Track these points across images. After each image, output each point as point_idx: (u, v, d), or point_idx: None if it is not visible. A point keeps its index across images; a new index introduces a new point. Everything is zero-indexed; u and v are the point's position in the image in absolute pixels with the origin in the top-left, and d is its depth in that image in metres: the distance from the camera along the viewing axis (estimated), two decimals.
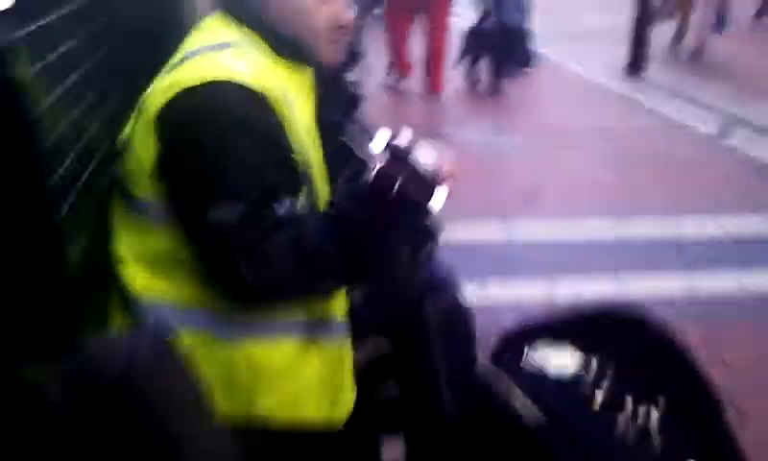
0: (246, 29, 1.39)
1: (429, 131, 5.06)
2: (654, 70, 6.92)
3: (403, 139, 1.23)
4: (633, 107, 5.97)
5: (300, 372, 1.44)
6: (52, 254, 1.04)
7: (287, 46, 1.40)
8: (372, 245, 1.25)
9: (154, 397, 0.76)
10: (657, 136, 5.08)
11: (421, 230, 1.30)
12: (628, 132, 5.21)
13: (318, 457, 1.56)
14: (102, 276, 1.37)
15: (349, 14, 1.42)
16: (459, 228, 3.38)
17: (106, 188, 1.42)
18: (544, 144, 4.85)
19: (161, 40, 1.65)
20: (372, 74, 6.53)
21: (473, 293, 2.75)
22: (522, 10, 6.80)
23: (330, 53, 1.44)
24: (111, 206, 1.40)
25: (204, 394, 0.96)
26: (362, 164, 1.23)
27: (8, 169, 0.91)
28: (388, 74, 6.51)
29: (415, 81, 6.32)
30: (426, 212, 1.23)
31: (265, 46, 1.38)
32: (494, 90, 6.17)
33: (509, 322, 2.48)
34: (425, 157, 1.21)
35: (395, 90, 6.35)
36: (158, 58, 1.41)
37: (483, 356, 2.24)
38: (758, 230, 3.47)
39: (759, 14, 10.43)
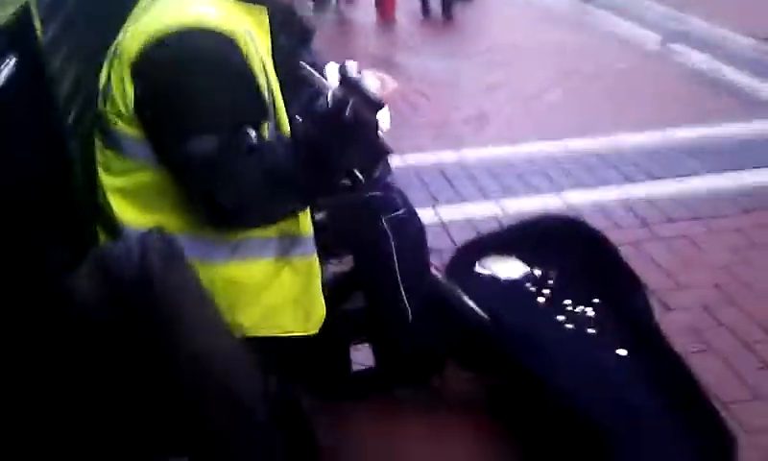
0: None
1: (382, 59, 5.18)
2: None
3: (351, 69, 1.41)
4: (581, 27, 6.12)
5: (276, 287, 1.62)
6: (67, 177, 1.20)
7: None
8: (332, 162, 1.43)
9: (167, 289, 0.94)
10: (604, 54, 5.26)
11: (373, 148, 1.49)
12: (576, 51, 5.37)
13: (295, 363, 1.77)
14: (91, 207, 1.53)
15: None
16: (412, 152, 3.57)
17: (88, 130, 1.56)
18: (494, 67, 5.00)
19: None
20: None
21: (426, 213, 2.97)
22: None
23: None
24: (95, 145, 1.54)
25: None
26: (316, 91, 1.42)
27: (35, 116, 1.07)
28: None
29: (368, 10, 6.39)
30: (376, 130, 1.43)
31: None
32: (446, 17, 6.26)
33: (460, 239, 2.72)
34: (371, 83, 1.42)
35: (349, 20, 6.41)
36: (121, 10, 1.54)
37: (438, 269, 2.47)
38: (699, 136, 3.70)
39: None
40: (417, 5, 6.38)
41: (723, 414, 1.86)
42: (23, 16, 0.97)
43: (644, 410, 1.88)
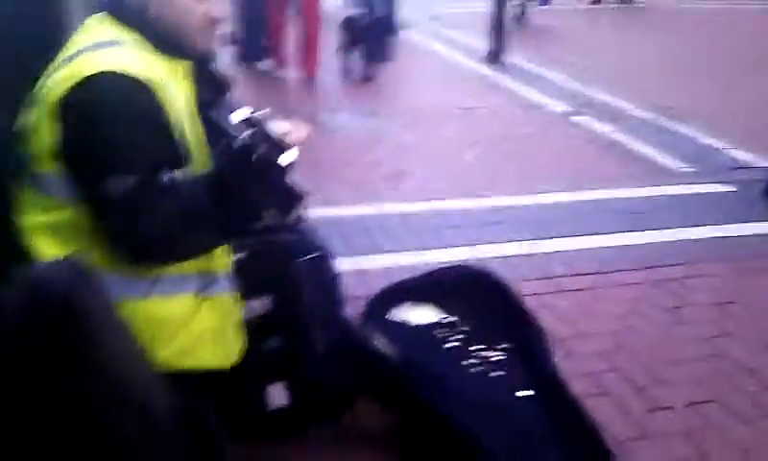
0: (128, 29, 1.61)
1: (304, 115, 5.30)
2: (513, 55, 7.48)
3: (260, 114, 1.56)
4: (493, 89, 6.47)
5: (194, 323, 1.68)
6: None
7: (165, 42, 1.63)
8: (243, 199, 1.53)
9: (88, 307, 1.00)
10: (513, 119, 5.57)
11: (284, 189, 1.59)
12: (488, 113, 5.68)
13: (212, 399, 1.81)
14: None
15: (220, 9, 1.69)
16: (332, 206, 3.68)
17: (10, 172, 1.60)
18: (412, 126, 5.21)
19: (45, 39, 1.82)
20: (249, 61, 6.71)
21: (345, 262, 3.06)
22: (390, 2, 7.22)
23: (205, 43, 1.70)
24: (17, 185, 1.58)
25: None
26: (231, 138, 1.53)
27: None
28: (262, 60, 6.71)
29: (291, 67, 6.55)
30: (284, 172, 1.53)
31: (145, 43, 1.61)
32: (366, 77, 6.49)
33: (377, 287, 2.82)
34: (277, 127, 1.57)
35: (271, 76, 6.55)
36: (45, 55, 1.61)
37: (354, 315, 2.56)
38: (602, 198, 3.98)
39: None
40: (338, 64, 6.59)
41: (614, 450, 2.01)
42: None
43: (536, 436, 2.01)
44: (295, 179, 1.68)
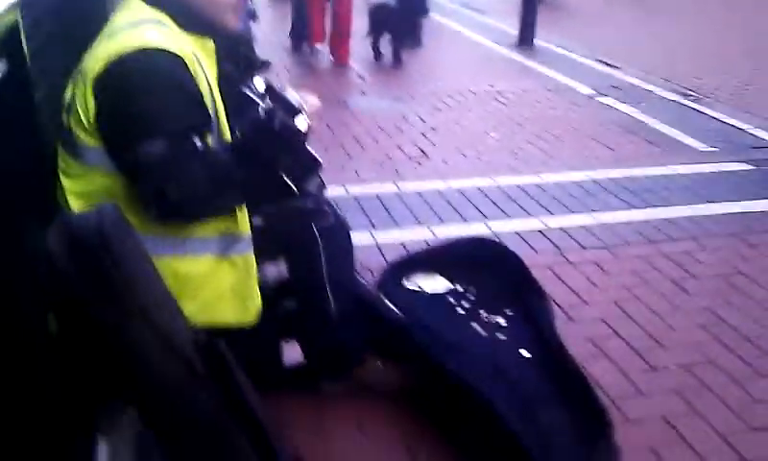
0: (160, 9, 1.78)
1: (334, 99, 5.50)
2: (542, 38, 7.55)
3: (277, 85, 1.72)
4: (521, 72, 6.56)
5: (216, 280, 1.86)
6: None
7: (194, 22, 1.80)
8: (264, 161, 1.71)
9: (117, 246, 1.18)
10: (538, 101, 5.66)
11: (302, 154, 1.76)
12: (515, 96, 5.77)
13: (233, 353, 2.00)
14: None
15: None
16: (354, 183, 3.86)
17: (53, 140, 1.80)
18: (438, 109, 5.35)
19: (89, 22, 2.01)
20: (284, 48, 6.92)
21: (364, 236, 3.24)
22: None
23: (230, 22, 1.87)
24: (58, 154, 1.78)
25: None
26: (255, 108, 1.71)
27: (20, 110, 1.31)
28: (298, 49, 6.92)
29: (324, 54, 6.75)
30: (300, 136, 1.70)
31: (173, 22, 1.78)
32: (396, 62, 6.64)
33: (393, 259, 2.99)
34: (291, 95, 1.74)
35: (307, 63, 6.75)
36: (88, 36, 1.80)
37: (370, 284, 2.74)
38: (617, 176, 4.07)
39: None
40: (370, 51, 6.76)
41: (607, 405, 2.15)
42: (13, 30, 1.22)
43: (536, 396, 2.16)
44: (312, 150, 1.86)
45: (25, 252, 1.21)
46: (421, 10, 7.28)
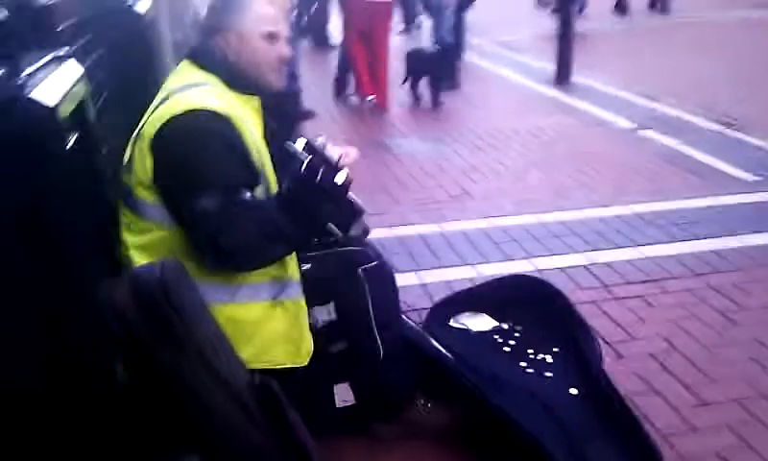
0: (208, 72, 1.93)
1: (376, 141, 5.62)
2: (579, 74, 7.59)
3: (318, 142, 1.83)
4: (560, 109, 6.60)
5: (269, 325, 1.94)
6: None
7: (240, 83, 1.94)
8: (310, 214, 1.79)
9: (178, 296, 1.27)
10: (577, 137, 5.68)
11: (345, 205, 1.84)
12: (555, 133, 5.81)
13: (287, 394, 2.06)
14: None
15: (288, 50, 1.98)
16: (398, 226, 3.93)
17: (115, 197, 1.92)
18: (478, 149, 5.42)
19: (147, 86, 2.16)
20: (322, 95, 7.11)
21: (409, 277, 3.30)
22: (452, 31, 7.51)
23: (275, 81, 1.99)
24: (119, 210, 1.90)
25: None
26: (298, 163, 1.81)
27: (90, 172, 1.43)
28: (350, 95, 7.10)
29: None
30: (341, 189, 1.78)
31: (222, 84, 1.91)
32: (435, 104, 6.75)
33: (438, 298, 3.03)
34: (332, 151, 1.85)
35: (349, 110, 6.92)
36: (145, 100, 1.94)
37: (416, 324, 2.78)
38: (660, 209, 4.06)
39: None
40: (408, 95, 6.89)
41: (658, 442, 2.15)
42: (82, 105, 1.33)
43: (585, 434, 2.17)
44: (354, 197, 1.93)
45: (94, 305, 1.30)
46: (456, 57, 7.41)
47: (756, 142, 5.28)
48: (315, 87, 7.37)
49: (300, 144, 1.85)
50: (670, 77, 7.53)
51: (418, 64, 6.83)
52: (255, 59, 1.95)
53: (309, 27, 9.90)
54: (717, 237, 3.69)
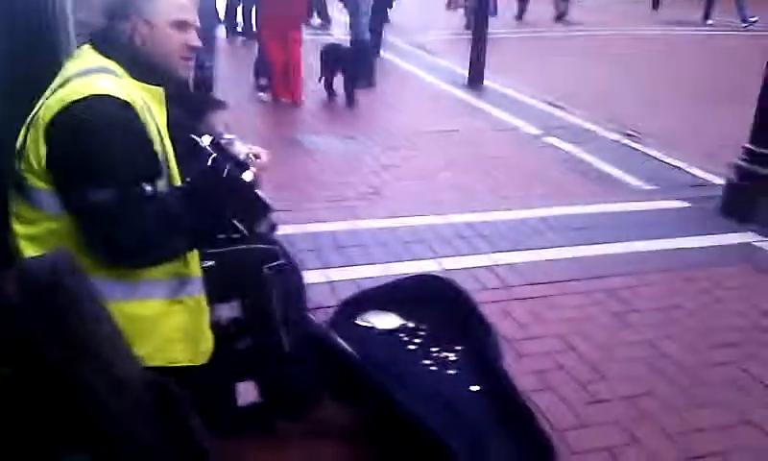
0: (109, 58, 1.83)
1: (286, 138, 5.58)
2: (491, 79, 7.78)
3: (226, 138, 1.78)
4: (471, 113, 6.74)
5: (168, 323, 1.88)
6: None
7: (143, 71, 1.85)
8: (213, 209, 1.75)
9: (72, 289, 1.22)
10: (487, 141, 5.82)
11: (251, 202, 1.81)
12: (465, 135, 5.93)
13: (187, 393, 2.02)
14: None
15: (197, 40, 1.93)
16: (308, 222, 3.91)
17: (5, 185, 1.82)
18: (390, 148, 5.46)
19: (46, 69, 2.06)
20: (239, 87, 6.99)
21: (317, 274, 3.30)
22: (370, 30, 7.55)
23: (182, 70, 1.93)
24: (10, 198, 1.80)
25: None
26: (204, 157, 1.77)
27: None
28: (261, 90, 6.99)
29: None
30: (248, 186, 1.76)
31: (124, 71, 1.82)
32: (350, 102, 6.76)
33: (345, 296, 3.04)
34: (239, 148, 1.81)
35: (262, 102, 6.83)
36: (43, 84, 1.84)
37: (323, 322, 2.78)
38: (562, 214, 4.21)
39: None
40: (323, 90, 6.87)
41: (552, 437, 2.23)
42: None
43: (485, 430, 2.23)
44: (261, 193, 1.91)
45: None
46: (374, 50, 7.46)
47: (653, 153, 5.56)
48: (231, 79, 7.25)
49: (206, 140, 1.81)
50: (578, 88, 7.83)
51: (334, 61, 6.81)
52: (163, 47, 1.88)
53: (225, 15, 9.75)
54: (613, 242, 3.86)
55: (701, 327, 3.06)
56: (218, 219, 1.79)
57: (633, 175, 5.03)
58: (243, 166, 1.78)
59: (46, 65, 2.08)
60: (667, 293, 3.34)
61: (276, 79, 6.78)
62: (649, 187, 4.83)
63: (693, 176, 5.09)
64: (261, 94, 6.98)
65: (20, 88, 1.99)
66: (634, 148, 5.72)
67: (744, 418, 2.47)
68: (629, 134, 6.02)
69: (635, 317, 3.11)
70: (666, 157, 5.40)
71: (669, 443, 2.33)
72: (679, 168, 5.22)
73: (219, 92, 6.31)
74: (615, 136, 6.01)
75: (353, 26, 7.57)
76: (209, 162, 1.76)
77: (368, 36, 7.54)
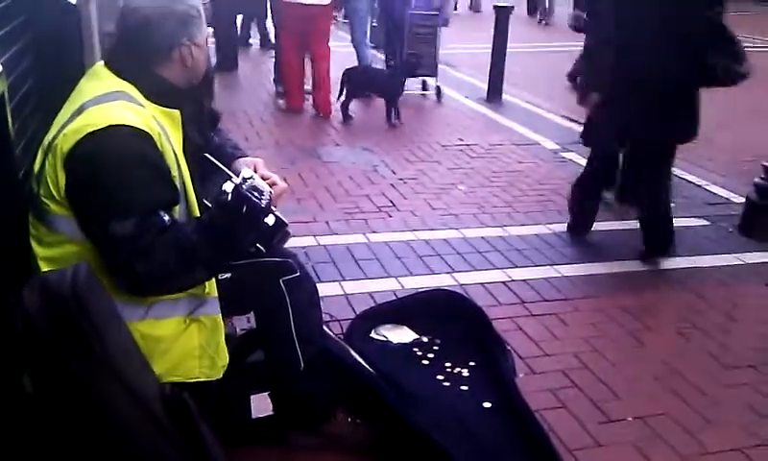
0: (127, 80, 1.83)
1: (308, 149, 5.62)
2: (512, 94, 7.78)
3: (248, 173, 1.75)
4: (490, 127, 6.74)
5: (184, 342, 1.89)
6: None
7: (161, 94, 1.86)
8: (232, 243, 1.75)
9: (92, 303, 1.25)
10: (505, 157, 5.82)
11: (267, 232, 1.79)
12: (484, 149, 5.93)
13: (200, 408, 2.03)
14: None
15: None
16: (324, 235, 3.94)
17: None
18: (408, 162, 5.48)
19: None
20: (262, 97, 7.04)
21: (333, 287, 3.32)
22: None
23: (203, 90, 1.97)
24: (28, 220, 1.79)
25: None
26: (222, 176, 1.76)
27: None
28: (280, 98, 7.05)
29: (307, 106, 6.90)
30: (266, 215, 1.76)
31: (140, 94, 1.82)
32: (397, 119, 6.64)
33: (361, 310, 3.06)
34: (262, 185, 1.75)
35: (281, 110, 6.88)
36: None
37: (338, 335, 2.80)
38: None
39: None
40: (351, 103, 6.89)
41: (564, 456, 2.23)
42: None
43: (497, 448, 2.24)
44: (277, 212, 1.91)
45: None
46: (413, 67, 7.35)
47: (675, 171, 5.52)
48: (251, 90, 7.30)
49: (229, 184, 1.78)
50: None
51: (362, 82, 6.78)
52: (203, 66, 1.93)
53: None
54: (629, 260, 3.84)
55: (717, 347, 3.04)
56: (235, 251, 1.79)
57: None
58: (262, 198, 1.73)
59: (73, 80, 2.12)
60: (684, 312, 3.33)
61: (291, 88, 6.82)
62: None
63: (712, 193, 5.06)
64: (280, 102, 7.04)
65: (48, 102, 2.04)
66: None
67: (759, 441, 2.46)
68: None
69: (649, 335, 3.10)
70: (685, 173, 5.36)
71: None
72: (698, 185, 5.19)
73: (240, 101, 6.34)
74: None
75: (352, 32, 7.55)
76: (230, 196, 1.72)
77: (367, 43, 7.55)
